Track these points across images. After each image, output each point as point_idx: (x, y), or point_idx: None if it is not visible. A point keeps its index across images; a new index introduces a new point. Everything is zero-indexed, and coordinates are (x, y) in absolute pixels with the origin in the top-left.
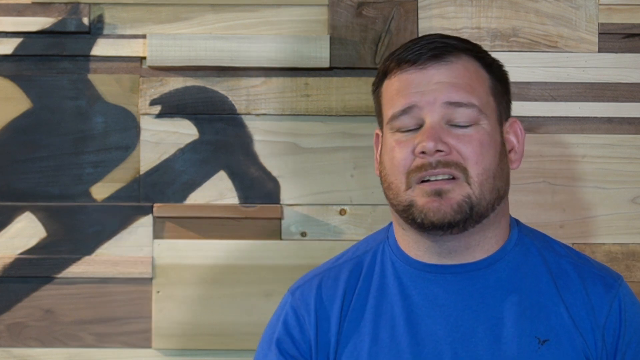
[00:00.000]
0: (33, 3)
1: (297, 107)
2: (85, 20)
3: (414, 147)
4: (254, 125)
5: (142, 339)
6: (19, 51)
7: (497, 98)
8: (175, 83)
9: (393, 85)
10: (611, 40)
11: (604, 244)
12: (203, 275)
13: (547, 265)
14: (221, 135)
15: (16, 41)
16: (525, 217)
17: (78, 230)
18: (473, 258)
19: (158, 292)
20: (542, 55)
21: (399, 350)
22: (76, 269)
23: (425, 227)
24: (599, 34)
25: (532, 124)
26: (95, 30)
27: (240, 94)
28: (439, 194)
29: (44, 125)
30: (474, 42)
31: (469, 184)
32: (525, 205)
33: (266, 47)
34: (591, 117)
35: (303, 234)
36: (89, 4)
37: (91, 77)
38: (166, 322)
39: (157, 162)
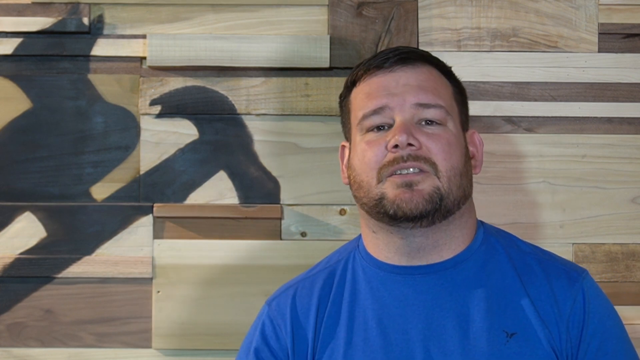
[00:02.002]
0: (33, 3)
1: (297, 107)
2: (85, 20)
3: (386, 143)
4: (254, 125)
5: (142, 339)
6: (19, 51)
7: (459, 105)
8: (175, 83)
9: (362, 90)
10: (611, 40)
11: (604, 244)
12: (203, 275)
13: (512, 262)
14: (221, 135)
15: (16, 41)
16: (525, 217)
17: (78, 230)
18: (440, 258)
19: (158, 292)
20: (542, 55)
21: (372, 351)
22: (76, 269)
23: (398, 218)
24: (599, 34)
25: (532, 124)
26: (95, 30)
27: (240, 94)
28: (409, 185)
29: (44, 125)
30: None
31: (438, 178)
32: (525, 205)
33: (266, 47)
34: (591, 117)
35: (303, 234)
36: (89, 4)
37: (91, 77)
38: (166, 322)
39: (157, 162)
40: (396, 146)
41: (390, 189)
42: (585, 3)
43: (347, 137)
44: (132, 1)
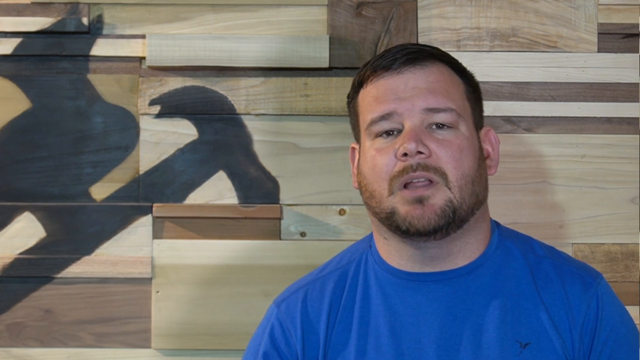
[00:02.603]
0: (32, 3)
1: (296, 107)
2: (85, 20)
3: (396, 151)
4: (253, 125)
5: (142, 339)
6: (19, 51)
7: (472, 103)
8: (175, 83)
9: (370, 92)
10: (610, 40)
11: (603, 244)
12: (202, 275)
13: (529, 267)
14: (220, 135)
15: (16, 41)
16: (525, 217)
17: (77, 230)
18: (455, 265)
19: (157, 292)
20: (542, 55)
21: None
22: (75, 269)
23: (411, 234)
24: (599, 34)
25: (532, 124)
26: (95, 30)
27: (239, 94)
28: (420, 201)
29: (43, 125)
30: (447, 48)
31: (449, 188)
32: (525, 205)
33: (265, 47)
34: (590, 117)
35: (302, 234)
36: (89, 4)
37: (90, 77)
38: (165, 322)
39: (157, 162)
40: (405, 154)
41: (401, 205)
42: (585, 3)
43: (357, 139)
44: (131, 1)
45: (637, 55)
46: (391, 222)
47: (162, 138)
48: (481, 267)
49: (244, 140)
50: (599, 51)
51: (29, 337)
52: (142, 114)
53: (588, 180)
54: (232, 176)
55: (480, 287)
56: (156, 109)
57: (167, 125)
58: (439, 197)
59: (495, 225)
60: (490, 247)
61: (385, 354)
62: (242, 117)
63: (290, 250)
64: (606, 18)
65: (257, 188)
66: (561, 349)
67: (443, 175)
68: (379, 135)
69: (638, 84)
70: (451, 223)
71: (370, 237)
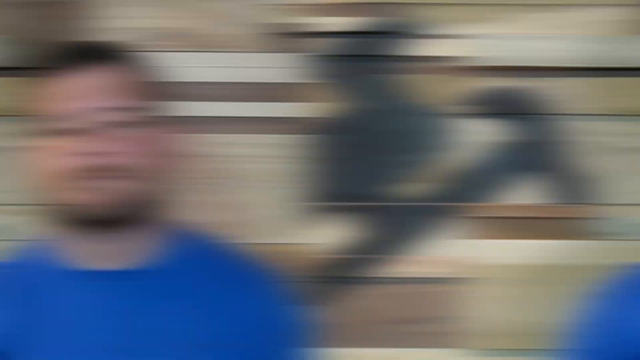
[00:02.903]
0: (340, 4)
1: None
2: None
3: (76, 151)
4: (576, 126)
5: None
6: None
7: (152, 103)
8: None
9: (48, 91)
10: (271, 40)
11: (264, 243)
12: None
13: (208, 268)
14: (534, 136)
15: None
16: (197, 217)
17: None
18: (130, 265)
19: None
20: (206, 55)
21: None
22: (391, 270)
23: (88, 223)
24: (260, 34)
25: (194, 125)
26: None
27: (556, 94)
28: (99, 189)
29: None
30: (127, 46)
31: (131, 181)
32: (199, 205)
33: None
34: (250, 117)
35: None
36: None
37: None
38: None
39: (469, 162)
40: (86, 155)
41: (80, 194)
42: (251, 3)
43: (33, 138)
44: (455, 2)
45: (298, 54)
46: (67, 214)
47: (476, 139)
48: (159, 267)
49: (566, 140)
50: (258, 51)
51: None
52: (459, 114)
53: (248, 180)
54: (550, 176)
55: (157, 287)
56: (473, 109)
57: (481, 126)
58: (119, 185)
59: (177, 225)
60: (169, 246)
61: (56, 355)
62: (566, 116)
63: None
64: (268, 18)
65: (576, 188)
66: (237, 350)
67: (126, 171)
68: (57, 134)
69: (299, 83)
70: (130, 214)
71: (42, 237)
